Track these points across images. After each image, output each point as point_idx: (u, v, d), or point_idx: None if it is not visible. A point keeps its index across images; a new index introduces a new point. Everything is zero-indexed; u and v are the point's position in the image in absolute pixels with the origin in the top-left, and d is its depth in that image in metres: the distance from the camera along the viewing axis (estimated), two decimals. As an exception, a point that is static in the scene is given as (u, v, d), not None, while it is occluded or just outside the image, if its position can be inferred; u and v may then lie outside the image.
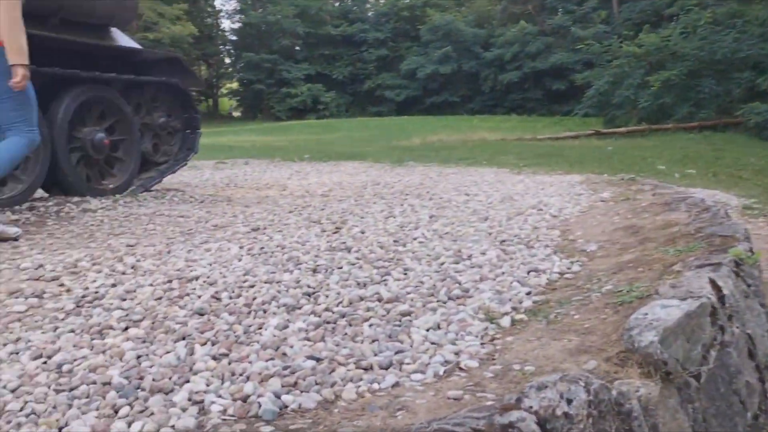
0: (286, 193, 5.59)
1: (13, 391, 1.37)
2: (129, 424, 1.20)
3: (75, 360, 1.53)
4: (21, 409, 1.28)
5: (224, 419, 1.22)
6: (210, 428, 1.17)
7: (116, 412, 1.25)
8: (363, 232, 3.17)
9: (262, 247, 2.82)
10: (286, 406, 1.27)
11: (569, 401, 1.08)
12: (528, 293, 2.02)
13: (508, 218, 3.54)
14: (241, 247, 2.86)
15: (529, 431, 1.03)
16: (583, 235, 3.04)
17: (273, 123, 22.25)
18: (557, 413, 1.06)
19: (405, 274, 2.31)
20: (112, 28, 4.89)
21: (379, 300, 1.97)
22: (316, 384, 1.36)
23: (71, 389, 1.36)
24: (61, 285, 2.28)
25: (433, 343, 1.60)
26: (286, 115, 24.02)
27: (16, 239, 3.10)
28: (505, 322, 1.75)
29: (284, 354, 1.53)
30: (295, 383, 1.36)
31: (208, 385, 1.35)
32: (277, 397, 1.30)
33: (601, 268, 2.36)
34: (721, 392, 1.45)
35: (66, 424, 1.21)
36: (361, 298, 1.98)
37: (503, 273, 2.28)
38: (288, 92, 23.91)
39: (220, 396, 1.30)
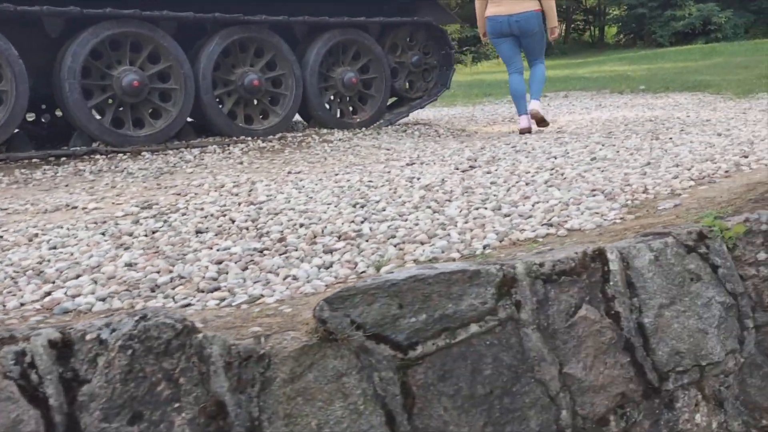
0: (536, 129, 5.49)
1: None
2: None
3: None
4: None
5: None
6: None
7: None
8: (489, 173, 3.11)
9: (371, 180, 3.06)
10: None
11: (113, 330, 1.14)
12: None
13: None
14: (360, 180, 3.14)
15: (36, 345, 1.13)
16: None
17: (651, 50, 20.44)
18: (87, 337, 1.13)
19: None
20: None
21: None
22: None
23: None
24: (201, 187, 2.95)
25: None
26: (669, 40, 21.60)
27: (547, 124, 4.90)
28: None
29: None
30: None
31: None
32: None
33: None
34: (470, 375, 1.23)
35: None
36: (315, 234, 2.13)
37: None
38: (673, 14, 21.39)
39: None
